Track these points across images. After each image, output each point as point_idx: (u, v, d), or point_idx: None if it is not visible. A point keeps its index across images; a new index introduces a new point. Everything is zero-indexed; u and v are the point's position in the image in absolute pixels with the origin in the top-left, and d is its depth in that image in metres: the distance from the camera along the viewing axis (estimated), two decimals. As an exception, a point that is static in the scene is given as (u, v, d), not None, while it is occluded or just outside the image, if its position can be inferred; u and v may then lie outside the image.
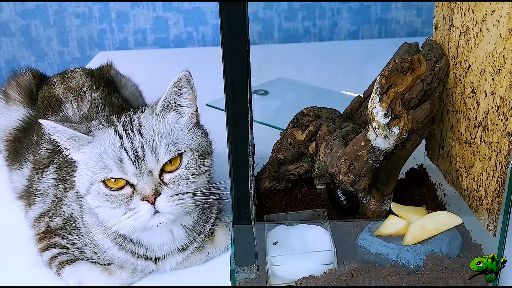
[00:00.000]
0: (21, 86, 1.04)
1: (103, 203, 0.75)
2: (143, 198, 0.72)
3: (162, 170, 0.74)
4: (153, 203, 0.72)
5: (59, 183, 0.87)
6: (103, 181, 0.74)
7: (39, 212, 0.89)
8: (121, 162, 0.73)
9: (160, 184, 0.73)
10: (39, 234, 0.86)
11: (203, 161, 0.77)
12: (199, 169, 0.76)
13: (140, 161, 0.72)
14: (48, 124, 0.74)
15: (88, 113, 0.95)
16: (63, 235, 0.83)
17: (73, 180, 0.79)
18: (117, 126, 0.76)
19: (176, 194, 0.73)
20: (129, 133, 0.74)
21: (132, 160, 0.72)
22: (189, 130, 0.77)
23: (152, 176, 0.73)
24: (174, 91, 0.76)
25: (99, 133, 0.75)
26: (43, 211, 0.88)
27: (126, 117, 0.77)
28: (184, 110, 0.78)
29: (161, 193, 0.73)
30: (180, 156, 0.75)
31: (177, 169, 0.74)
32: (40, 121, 0.75)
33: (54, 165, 0.90)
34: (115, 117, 0.79)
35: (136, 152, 0.73)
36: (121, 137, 0.74)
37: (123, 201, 0.73)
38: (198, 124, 0.80)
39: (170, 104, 0.76)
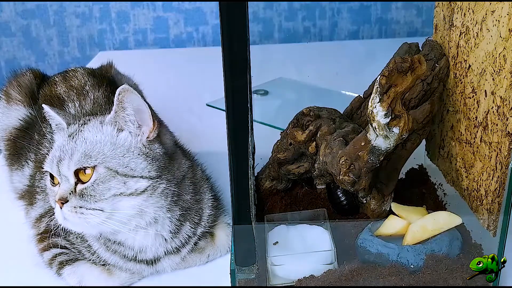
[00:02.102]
0: (21, 85, 1.04)
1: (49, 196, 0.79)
2: (55, 200, 0.74)
3: (79, 180, 0.73)
4: (61, 208, 0.73)
5: None
6: (50, 174, 0.76)
7: (40, 212, 0.89)
8: (53, 160, 0.75)
9: (71, 192, 0.73)
10: (39, 234, 0.87)
11: (123, 183, 0.73)
12: (112, 189, 0.72)
13: (59, 164, 0.74)
14: (46, 108, 0.80)
15: (91, 112, 0.95)
16: (62, 235, 0.83)
17: None
18: (76, 125, 0.77)
19: (80, 207, 0.72)
20: (75, 135, 0.75)
21: (57, 161, 0.74)
22: (120, 147, 0.74)
23: (67, 182, 0.73)
24: (117, 106, 0.75)
25: (70, 127, 0.78)
26: (44, 211, 0.88)
27: (90, 118, 0.79)
28: (127, 126, 0.75)
29: (68, 200, 0.73)
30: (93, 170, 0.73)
31: (87, 182, 0.73)
32: (43, 105, 0.80)
33: None
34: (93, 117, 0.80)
35: (61, 154, 0.74)
36: (69, 136, 0.76)
37: (53, 198, 0.75)
38: (153, 144, 0.76)
39: (117, 118, 0.75)
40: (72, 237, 0.83)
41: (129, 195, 0.73)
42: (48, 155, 0.78)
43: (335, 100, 0.96)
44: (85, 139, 0.75)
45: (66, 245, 0.83)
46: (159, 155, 0.76)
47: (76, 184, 0.73)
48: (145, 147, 0.76)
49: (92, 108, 0.96)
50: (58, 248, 0.83)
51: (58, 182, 0.75)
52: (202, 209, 0.84)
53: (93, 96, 0.98)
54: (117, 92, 0.74)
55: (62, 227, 0.84)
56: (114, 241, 0.80)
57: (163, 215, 0.77)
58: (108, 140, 0.75)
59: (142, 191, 0.74)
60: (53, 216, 0.85)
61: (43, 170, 0.78)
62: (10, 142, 1.02)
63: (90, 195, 0.72)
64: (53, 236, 0.84)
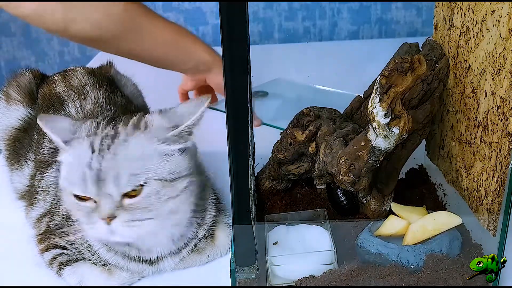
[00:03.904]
0: (21, 85, 1.04)
1: (70, 208, 0.76)
2: (100, 217, 0.71)
3: (125, 195, 0.71)
4: (109, 224, 0.71)
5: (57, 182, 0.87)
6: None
7: (40, 212, 0.89)
8: (84, 180, 0.70)
9: (118, 207, 0.71)
10: (39, 234, 0.87)
11: (172, 187, 0.72)
12: (163, 197, 0.72)
13: (101, 183, 0.70)
14: (40, 124, 0.76)
15: (91, 113, 0.94)
16: (62, 235, 0.83)
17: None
18: (94, 138, 0.72)
19: (132, 220, 0.71)
20: (103, 149, 0.71)
21: (94, 180, 0.70)
22: (169, 156, 0.73)
23: (111, 199, 0.70)
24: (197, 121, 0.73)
25: (76, 142, 0.73)
26: (44, 211, 0.88)
27: (112, 128, 0.74)
28: (189, 138, 0.75)
29: (116, 216, 0.71)
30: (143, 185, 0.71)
31: (137, 196, 0.71)
32: (38, 120, 0.76)
33: (55, 163, 0.89)
34: (103, 124, 0.75)
35: (99, 173, 0.70)
36: (93, 151, 0.71)
37: (86, 212, 0.72)
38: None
39: (184, 133, 0.74)
40: (72, 237, 0.83)
41: (176, 196, 0.73)
42: (61, 171, 0.74)
43: (335, 100, 0.96)
44: (127, 156, 0.71)
45: (66, 245, 0.83)
46: (193, 148, 0.77)
47: (121, 198, 0.71)
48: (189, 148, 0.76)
49: (93, 108, 0.95)
50: (58, 248, 0.83)
51: (88, 198, 0.71)
52: (206, 210, 0.84)
53: (94, 96, 0.98)
54: (196, 116, 0.73)
55: (61, 228, 0.84)
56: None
57: (189, 211, 0.78)
58: (155, 153, 0.72)
59: (183, 189, 0.74)
60: (54, 217, 0.86)
61: (72, 193, 0.72)
62: (10, 142, 1.02)
63: (143, 207, 0.71)
64: (53, 237, 0.84)
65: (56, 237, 0.84)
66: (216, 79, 1.23)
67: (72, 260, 0.82)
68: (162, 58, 1.16)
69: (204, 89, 1.33)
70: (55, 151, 0.90)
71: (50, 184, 0.89)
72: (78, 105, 0.96)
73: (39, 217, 0.89)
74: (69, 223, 0.83)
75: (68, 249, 0.83)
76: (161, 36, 1.12)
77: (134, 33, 1.06)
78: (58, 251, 0.83)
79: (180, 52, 1.17)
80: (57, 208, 0.86)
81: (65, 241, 0.83)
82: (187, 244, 0.82)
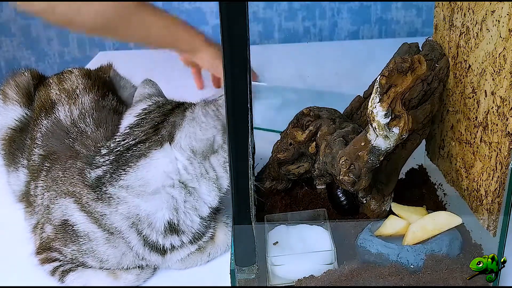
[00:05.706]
0: (19, 85, 1.01)
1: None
2: None
3: None
4: None
5: (45, 190, 0.84)
6: None
7: (35, 221, 0.87)
8: None
9: None
10: (37, 247, 0.84)
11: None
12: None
13: None
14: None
15: (78, 119, 0.91)
16: (58, 248, 0.81)
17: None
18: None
19: None
20: None
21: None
22: None
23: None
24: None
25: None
26: (37, 221, 0.86)
27: None
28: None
29: None
30: None
31: None
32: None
33: (43, 171, 0.87)
34: None
35: None
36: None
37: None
38: None
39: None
40: (71, 248, 0.80)
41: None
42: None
43: (335, 100, 0.96)
44: None
45: (64, 258, 0.81)
46: None
47: None
48: None
49: (79, 114, 0.92)
50: (56, 261, 0.81)
51: None
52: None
53: (81, 101, 0.95)
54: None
55: (54, 240, 0.81)
56: (174, 230, 0.80)
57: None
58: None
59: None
60: (43, 228, 0.83)
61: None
62: (6, 142, 0.99)
63: None
64: (49, 251, 0.82)
65: (52, 252, 0.82)
66: (204, 58, 1.38)
67: (74, 267, 0.81)
68: (156, 41, 1.36)
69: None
70: (44, 157, 0.89)
71: (41, 193, 0.86)
72: (67, 109, 0.93)
73: (34, 226, 0.86)
74: (68, 232, 0.80)
75: (67, 261, 0.81)
76: (154, 23, 1.29)
77: (128, 20, 1.26)
78: (57, 263, 0.81)
79: (169, 35, 1.35)
80: (46, 218, 0.83)
81: (62, 255, 0.81)
82: (203, 234, 0.83)
